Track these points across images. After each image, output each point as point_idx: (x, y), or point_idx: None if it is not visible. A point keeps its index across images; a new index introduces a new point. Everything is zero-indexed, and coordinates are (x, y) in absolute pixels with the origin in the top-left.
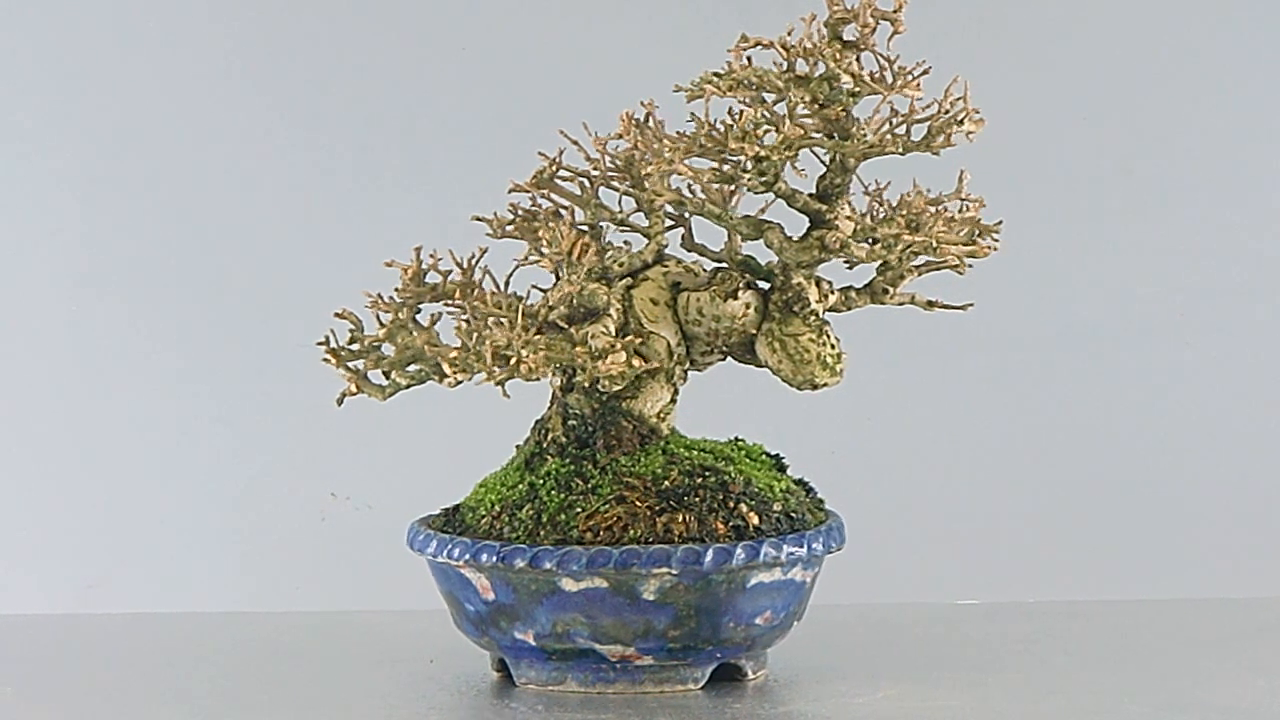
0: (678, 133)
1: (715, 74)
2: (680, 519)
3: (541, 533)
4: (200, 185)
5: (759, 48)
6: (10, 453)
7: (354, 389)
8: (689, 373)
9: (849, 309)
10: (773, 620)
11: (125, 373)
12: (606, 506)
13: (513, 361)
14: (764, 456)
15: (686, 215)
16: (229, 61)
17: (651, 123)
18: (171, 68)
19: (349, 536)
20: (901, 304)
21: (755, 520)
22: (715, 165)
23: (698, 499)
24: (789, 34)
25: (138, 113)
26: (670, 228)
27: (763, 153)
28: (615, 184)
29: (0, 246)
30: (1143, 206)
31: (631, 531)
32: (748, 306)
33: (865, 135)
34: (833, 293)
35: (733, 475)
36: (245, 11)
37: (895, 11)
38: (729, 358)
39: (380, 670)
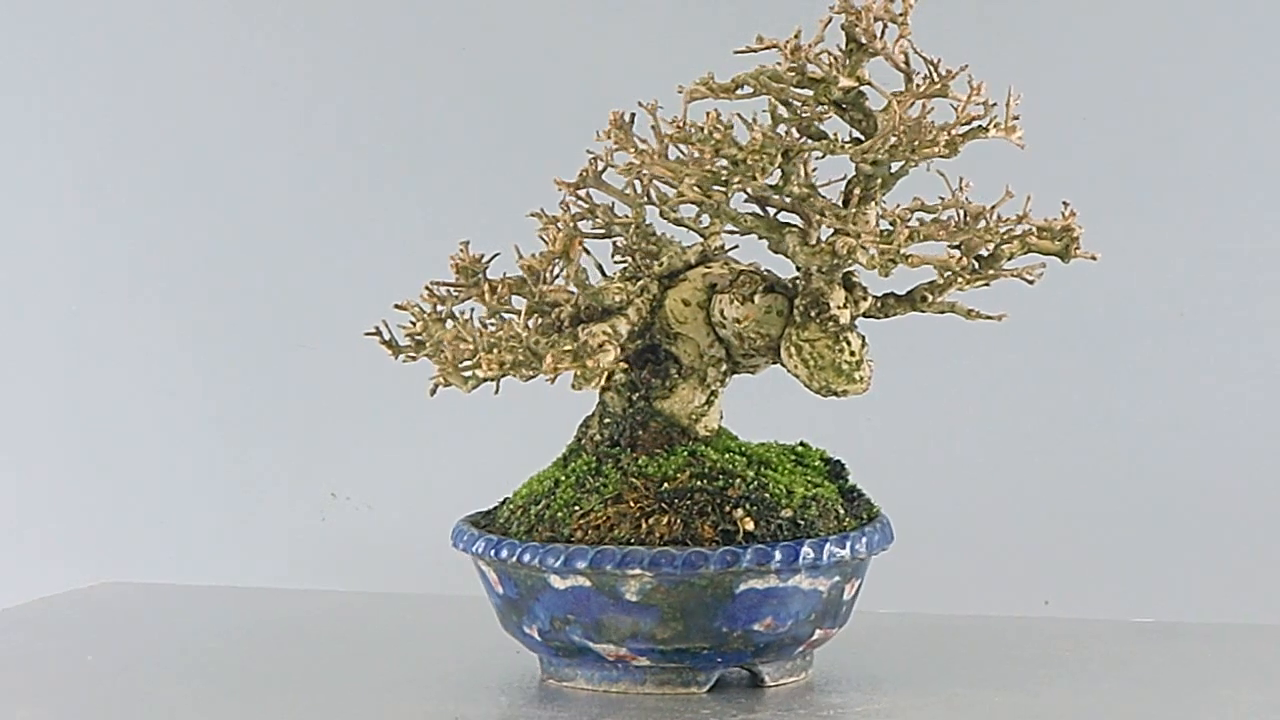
0: (658, 135)
1: (750, 75)
2: (665, 521)
3: (539, 529)
4: (204, 185)
5: (765, 50)
6: (11, 453)
7: (444, 380)
8: (729, 374)
9: (887, 315)
10: (776, 627)
11: (128, 371)
12: (602, 506)
13: (472, 361)
14: (819, 463)
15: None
16: (231, 57)
17: (652, 124)
18: (175, 63)
19: (351, 536)
20: (942, 312)
21: (749, 526)
22: (710, 169)
23: (689, 502)
24: (796, 36)
25: (142, 112)
26: (748, 231)
27: (739, 155)
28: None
29: (4, 244)
30: (1143, 206)
31: (616, 532)
32: (768, 310)
33: (842, 141)
34: (865, 298)
35: (748, 479)
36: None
37: (902, 15)
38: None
39: (413, 655)
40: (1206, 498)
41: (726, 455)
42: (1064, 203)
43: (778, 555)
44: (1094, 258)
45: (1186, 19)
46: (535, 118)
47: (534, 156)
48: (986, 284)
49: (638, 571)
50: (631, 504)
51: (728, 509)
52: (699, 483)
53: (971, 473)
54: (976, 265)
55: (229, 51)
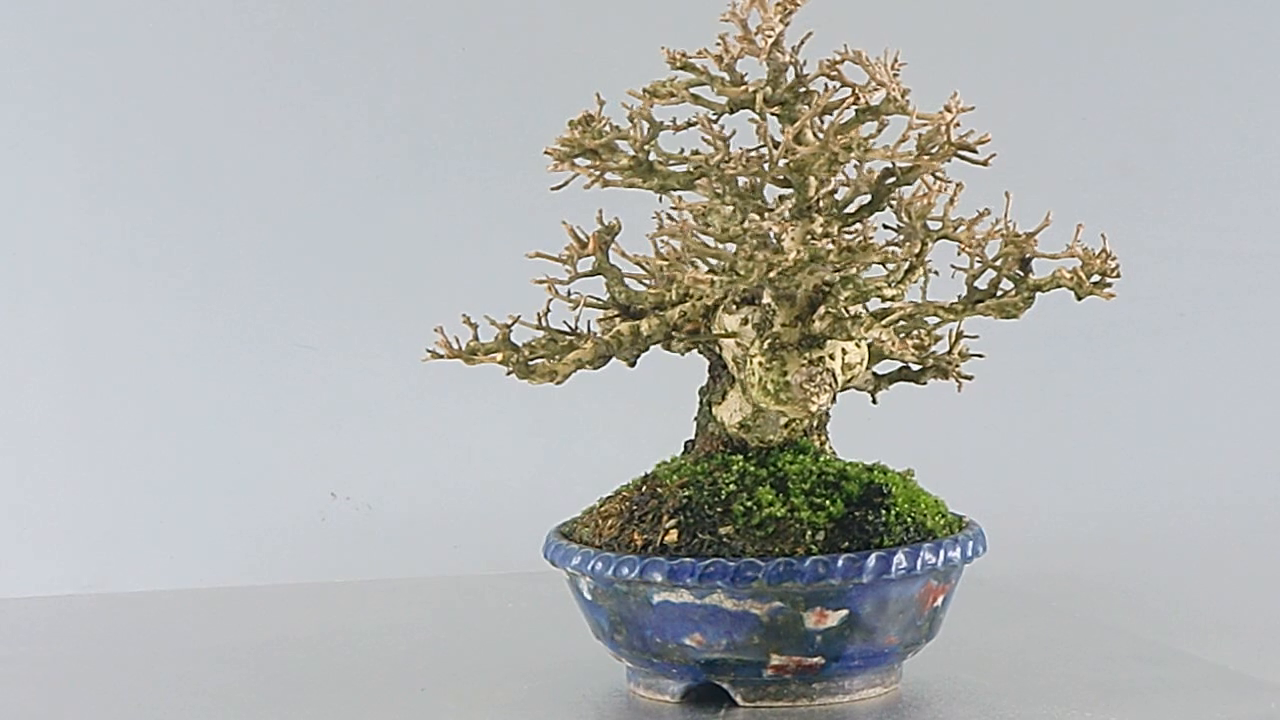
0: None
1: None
2: (609, 524)
3: (570, 523)
4: (205, 184)
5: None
6: (11, 453)
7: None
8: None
9: (851, 338)
10: (709, 644)
11: (127, 371)
12: (599, 505)
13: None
14: (867, 484)
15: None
16: (232, 56)
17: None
18: (177, 62)
19: (351, 536)
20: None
21: (672, 538)
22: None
23: (636, 508)
24: (721, 43)
25: (143, 110)
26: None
27: (621, 166)
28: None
29: (4, 243)
30: (1143, 206)
31: (582, 531)
32: (744, 321)
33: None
34: (825, 318)
35: (720, 494)
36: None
37: (778, 20)
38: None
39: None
40: (1205, 498)
41: (753, 467)
42: (1102, 235)
43: (667, 569)
44: (1109, 296)
45: (1187, 19)
46: (538, 118)
47: (535, 156)
48: (1015, 316)
49: (571, 570)
50: (612, 505)
51: (662, 519)
52: (677, 491)
53: (969, 473)
54: (1010, 287)
55: (230, 51)
